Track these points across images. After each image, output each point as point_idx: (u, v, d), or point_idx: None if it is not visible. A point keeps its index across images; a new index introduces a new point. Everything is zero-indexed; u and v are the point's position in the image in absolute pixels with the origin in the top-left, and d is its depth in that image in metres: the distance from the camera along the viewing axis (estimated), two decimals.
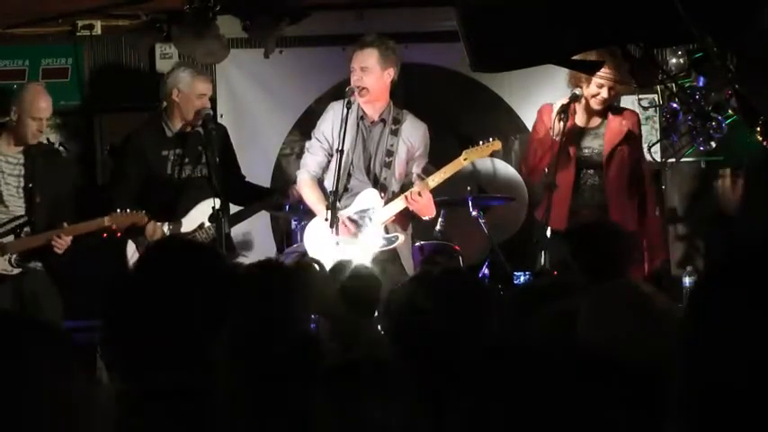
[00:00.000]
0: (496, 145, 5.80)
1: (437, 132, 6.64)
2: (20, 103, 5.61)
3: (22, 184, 5.56)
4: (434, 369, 2.37)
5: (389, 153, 5.74)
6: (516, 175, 7.13)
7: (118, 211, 5.56)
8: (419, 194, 5.58)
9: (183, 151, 5.87)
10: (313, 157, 5.84)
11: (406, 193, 5.63)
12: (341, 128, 5.58)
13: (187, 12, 6.14)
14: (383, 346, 3.35)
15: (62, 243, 5.45)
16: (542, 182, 5.75)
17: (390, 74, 5.75)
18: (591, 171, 5.74)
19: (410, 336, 2.58)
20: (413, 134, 5.80)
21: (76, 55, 6.94)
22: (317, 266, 3.46)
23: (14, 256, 5.49)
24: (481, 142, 5.76)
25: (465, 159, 5.73)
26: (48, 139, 6.87)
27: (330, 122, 5.78)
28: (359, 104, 5.67)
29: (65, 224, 5.49)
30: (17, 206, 5.55)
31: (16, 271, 5.51)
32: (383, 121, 5.77)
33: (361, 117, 5.72)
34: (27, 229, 5.55)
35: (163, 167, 5.85)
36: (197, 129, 5.87)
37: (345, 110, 5.56)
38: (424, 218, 5.74)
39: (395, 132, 5.75)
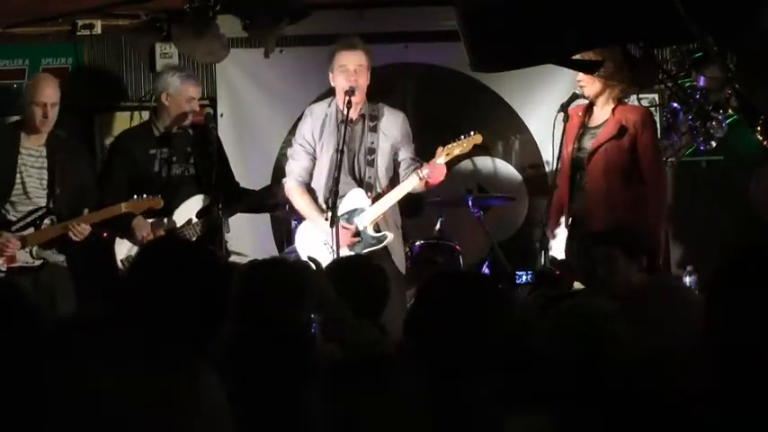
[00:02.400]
0: (477, 138, 5.71)
1: (437, 132, 6.64)
2: (25, 95, 5.69)
3: (45, 177, 5.61)
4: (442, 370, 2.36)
5: (371, 151, 5.71)
6: (516, 174, 7.13)
7: (134, 197, 5.61)
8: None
9: (171, 151, 5.94)
10: (298, 163, 5.81)
11: (418, 172, 5.55)
12: (337, 127, 5.58)
13: (187, 11, 6.14)
14: (383, 346, 3.35)
15: (79, 231, 5.48)
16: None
17: (370, 74, 5.76)
18: (582, 173, 5.50)
19: (422, 337, 2.57)
20: (391, 127, 5.76)
21: (76, 54, 6.94)
22: (313, 266, 3.43)
23: (35, 247, 5.53)
24: (463, 136, 5.68)
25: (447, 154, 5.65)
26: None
27: (310, 125, 5.77)
28: (338, 105, 5.66)
29: (86, 211, 5.56)
30: (40, 198, 5.59)
31: (38, 263, 5.55)
32: (362, 117, 5.75)
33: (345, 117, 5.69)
34: (47, 220, 5.58)
35: (151, 166, 5.91)
36: (187, 129, 5.93)
37: (347, 109, 5.55)
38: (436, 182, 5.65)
39: (374, 129, 5.73)
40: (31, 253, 5.54)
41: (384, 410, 2.02)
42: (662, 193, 5.59)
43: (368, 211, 5.64)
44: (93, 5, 6.56)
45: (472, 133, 5.65)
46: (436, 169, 5.53)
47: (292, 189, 5.79)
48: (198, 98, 6.03)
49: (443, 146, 5.61)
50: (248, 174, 6.50)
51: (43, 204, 5.59)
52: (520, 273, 6.36)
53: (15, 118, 5.88)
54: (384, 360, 2.24)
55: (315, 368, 2.56)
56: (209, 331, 2.51)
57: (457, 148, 5.63)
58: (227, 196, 5.82)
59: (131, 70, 7.06)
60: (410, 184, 5.60)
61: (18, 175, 5.57)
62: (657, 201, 5.49)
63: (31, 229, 5.55)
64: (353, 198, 5.65)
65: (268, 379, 2.91)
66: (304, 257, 5.12)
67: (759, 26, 3.75)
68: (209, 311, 2.50)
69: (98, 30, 6.88)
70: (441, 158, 5.55)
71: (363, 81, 5.64)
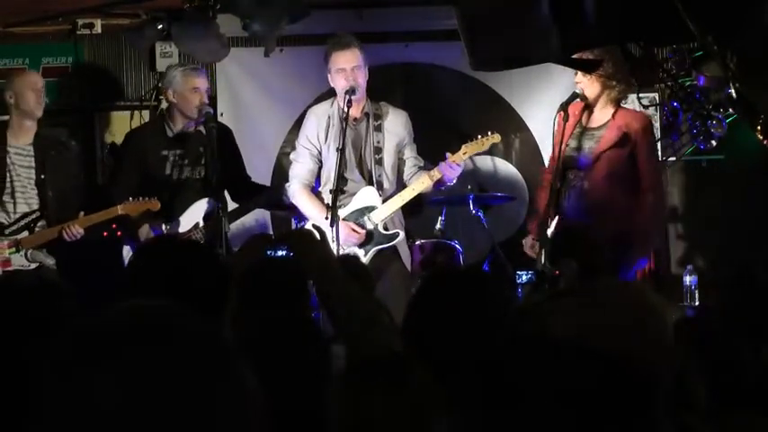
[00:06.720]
0: (496, 138, 5.72)
1: (438, 131, 6.65)
2: (14, 88, 5.68)
3: (33, 176, 5.59)
4: (449, 368, 2.36)
5: (378, 150, 5.72)
6: (517, 173, 7.13)
7: (130, 199, 5.58)
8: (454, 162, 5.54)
9: (184, 152, 5.89)
10: (302, 165, 5.81)
11: (433, 172, 5.55)
12: (340, 127, 5.58)
13: (187, 10, 6.14)
14: (383, 319, 3.34)
15: (72, 232, 5.46)
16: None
17: (367, 70, 5.75)
18: (578, 173, 5.48)
19: (424, 335, 2.56)
20: (396, 126, 5.76)
21: (77, 53, 6.95)
22: (317, 234, 3.30)
23: (30, 251, 5.51)
24: (480, 136, 5.68)
25: (464, 153, 5.65)
26: None
27: (315, 127, 5.77)
28: (340, 104, 5.66)
29: (81, 214, 5.53)
30: (30, 198, 5.58)
31: (33, 266, 5.54)
32: (366, 115, 5.75)
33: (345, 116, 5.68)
34: (41, 223, 5.58)
35: (162, 167, 5.86)
36: (199, 128, 5.87)
37: (346, 109, 5.55)
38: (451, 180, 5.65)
39: (378, 128, 5.73)
40: (26, 256, 5.52)
41: (402, 408, 2.02)
42: (659, 200, 5.68)
43: (380, 209, 5.65)
44: (94, 5, 6.57)
45: (489, 133, 5.66)
46: (454, 169, 5.54)
47: (297, 192, 5.79)
48: (203, 87, 5.95)
49: (462, 144, 5.62)
50: (248, 173, 6.50)
51: (35, 205, 5.58)
52: (520, 273, 6.36)
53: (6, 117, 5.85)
54: (396, 358, 2.24)
55: (327, 369, 2.55)
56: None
57: (476, 148, 5.64)
58: (237, 192, 5.80)
59: (131, 69, 7.07)
60: (425, 183, 5.59)
61: (7, 174, 5.57)
62: (656, 206, 5.54)
63: (25, 233, 5.54)
64: (365, 195, 5.67)
65: (272, 381, 2.89)
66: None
67: (759, 24, 3.75)
68: (208, 311, 2.49)
69: (98, 29, 6.89)
70: (460, 157, 5.55)
71: (362, 79, 5.64)
